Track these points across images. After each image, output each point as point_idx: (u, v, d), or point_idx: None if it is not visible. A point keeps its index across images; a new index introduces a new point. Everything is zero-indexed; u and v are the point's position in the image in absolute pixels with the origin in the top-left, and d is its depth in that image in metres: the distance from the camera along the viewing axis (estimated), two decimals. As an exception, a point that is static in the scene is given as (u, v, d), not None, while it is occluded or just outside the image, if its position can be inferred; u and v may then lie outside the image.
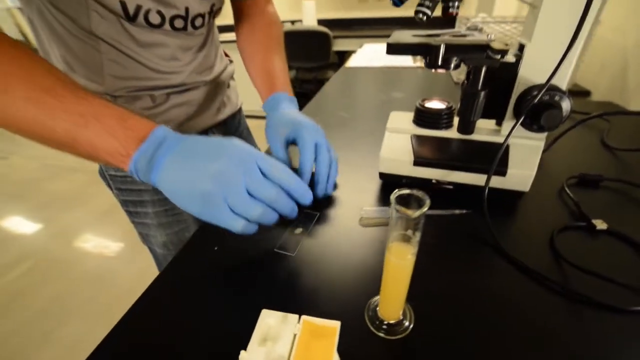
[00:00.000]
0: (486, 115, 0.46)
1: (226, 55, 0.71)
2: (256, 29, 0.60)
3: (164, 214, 0.62)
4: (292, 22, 3.02)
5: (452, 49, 0.36)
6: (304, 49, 2.51)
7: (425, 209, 0.21)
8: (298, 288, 0.36)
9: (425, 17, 0.37)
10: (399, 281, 0.26)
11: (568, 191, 0.46)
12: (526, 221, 0.43)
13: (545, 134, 0.44)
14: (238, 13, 0.62)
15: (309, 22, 2.72)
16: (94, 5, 0.42)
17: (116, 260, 1.81)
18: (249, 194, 0.32)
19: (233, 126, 0.71)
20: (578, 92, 1.02)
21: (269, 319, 0.29)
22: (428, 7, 0.37)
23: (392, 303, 0.28)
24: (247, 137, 0.77)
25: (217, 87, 0.64)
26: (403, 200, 0.22)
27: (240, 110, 0.74)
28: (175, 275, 0.39)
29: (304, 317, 0.30)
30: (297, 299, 0.34)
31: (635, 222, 0.42)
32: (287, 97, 0.51)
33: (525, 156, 0.43)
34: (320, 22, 2.78)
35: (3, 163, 3.19)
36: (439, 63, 0.37)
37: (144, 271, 1.62)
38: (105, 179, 0.61)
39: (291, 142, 0.45)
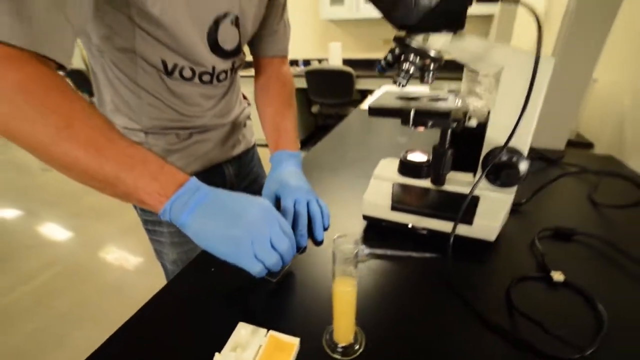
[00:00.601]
0: (463, 168, 0.52)
1: (245, 98, 0.81)
2: (270, 85, 0.70)
3: (176, 235, 0.70)
4: (319, 60, 3.23)
5: (420, 114, 0.43)
6: (328, 86, 2.67)
7: (356, 250, 0.27)
8: (273, 309, 0.41)
9: (402, 85, 0.45)
10: (345, 308, 0.31)
11: (537, 242, 0.50)
12: (490, 268, 0.47)
13: (514, 188, 0.49)
14: (257, 67, 0.73)
15: (335, 61, 2.90)
16: (142, 63, 0.53)
17: (134, 274, 1.91)
18: (271, 244, 0.39)
19: (246, 160, 0.80)
20: (580, 144, 1.04)
21: (242, 330, 0.35)
22: (404, 78, 0.44)
23: (342, 328, 0.33)
24: (259, 170, 0.85)
25: (235, 127, 0.73)
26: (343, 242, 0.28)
27: (254, 146, 0.83)
28: (177, 288, 0.46)
29: (271, 332, 0.35)
30: (270, 317, 0.40)
31: (598, 277, 0.45)
32: (289, 154, 0.59)
33: (492, 208, 0.47)
34: (346, 61, 2.96)
35: (46, 174, 3.50)
36: (410, 124, 0.43)
37: (157, 288, 1.71)
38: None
39: (278, 198, 0.53)
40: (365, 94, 2.92)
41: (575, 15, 0.81)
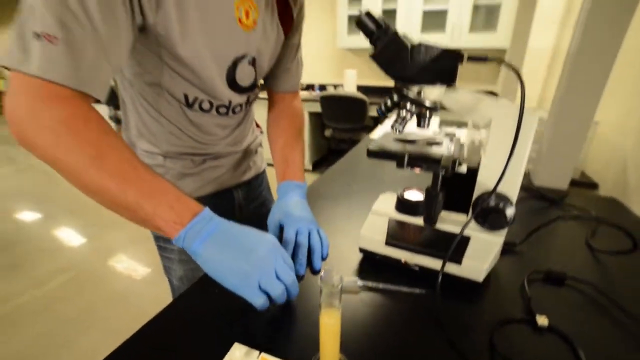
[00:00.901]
0: (457, 208, 0.55)
1: (257, 126, 0.87)
2: (282, 118, 0.75)
3: (185, 253, 0.72)
4: (335, 85, 3.34)
5: (413, 159, 0.46)
6: (342, 112, 2.74)
7: (340, 285, 0.30)
8: (269, 332, 0.44)
9: (398, 131, 0.49)
10: (329, 338, 0.34)
11: (526, 285, 0.51)
12: (478, 308, 0.48)
13: (504, 231, 0.51)
14: (270, 100, 0.79)
15: (350, 87, 2.99)
16: (167, 96, 0.59)
17: (141, 284, 1.96)
18: (277, 276, 0.43)
19: (256, 185, 0.85)
20: (585, 184, 1.04)
21: (237, 351, 0.38)
22: (400, 124, 0.48)
23: (327, 356, 0.36)
24: (267, 194, 0.90)
25: (246, 154, 0.78)
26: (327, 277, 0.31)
27: (263, 171, 0.88)
28: (182, 306, 0.50)
29: (262, 354, 0.38)
30: (265, 340, 0.42)
31: (585, 324, 0.46)
32: (295, 185, 0.64)
33: (481, 249, 0.50)
34: (360, 88, 3.05)
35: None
36: (404, 166, 0.47)
37: (161, 299, 1.74)
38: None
39: (282, 226, 0.57)
40: (378, 120, 2.98)
41: (576, 58, 0.85)
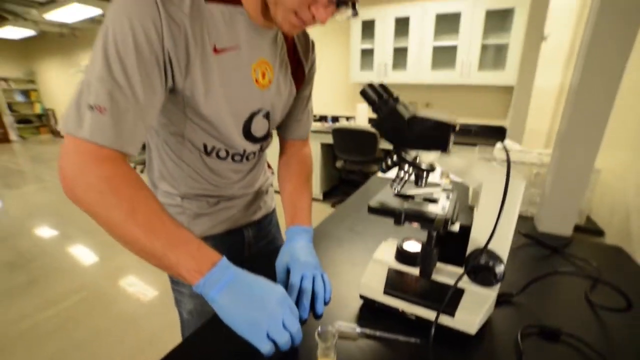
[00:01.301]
0: (454, 261, 0.58)
1: (269, 167, 0.93)
2: (291, 164, 0.81)
3: (196, 288, 0.78)
4: (347, 118, 3.44)
5: (409, 216, 0.51)
6: (353, 144, 2.82)
7: (335, 339, 0.34)
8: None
9: (396, 190, 0.53)
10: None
11: (519, 340, 0.53)
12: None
13: (497, 286, 0.54)
14: (281, 146, 0.85)
15: (361, 121, 3.09)
16: (188, 144, 0.66)
17: (149, 307, 1.99)
18: (283, 325, 0.47)
19: (265, 223, 0.90)
20: (590, 230, 1.04)
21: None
22: (398, 184, 0.53)
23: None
24: (276, 232, 0.94)
25: (258, 195, 0.84)
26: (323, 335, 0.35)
27: (273, 210, 0.93)
28: (192, 344, 0.53)
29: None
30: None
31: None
32: (302, 229, 0.69)
33: (475, 302, 0.52)
34: (371, 121, 3.13)
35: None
36: (402, 223, 0.51)
37: (169, 323, 1.77)
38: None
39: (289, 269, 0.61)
40: (388, 152, 3.04)
41: (575, 100, 0.87)
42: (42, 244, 2.83)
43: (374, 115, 0.51)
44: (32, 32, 5.72)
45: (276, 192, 0.84)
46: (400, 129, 0.48)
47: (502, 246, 0.51)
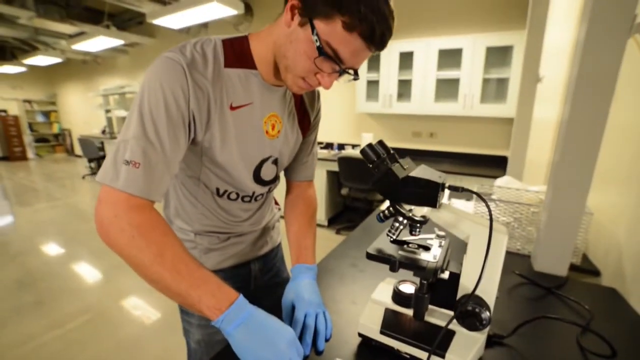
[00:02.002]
0: (446, 305, 0.63)
1: (276, 203, 0.99)
2: (297, 204, 0.88)
3: (204, 319, 0.82)
4: (353, 146, 3.54)
5: (403, 264, 0.56)
6: (358, 172, 2.89)
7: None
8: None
9: (392, 239, 0.59)
10: None
11: (507, 384, 0.57)
12: (460, 403, 0.54)
13: (486, 329, 0.58)
14: (288, 186, 0.93)
15: (366, 149, 3.17)
16: (202, 187, 0.73)
17: (151, 331, 2.01)
18: None
19: (271, 257, 0.95)
20: (586, 270, 1.07)
21: None
22: (393, 234, 0.59)
23: None
24: (281, 265, 1.00)
25: (265, 231, 0.90)
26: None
27: (279, 244, 0.99)
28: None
29: None
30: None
31: None
32: (307, 267, 0.75)
33: (464, 344, 0.56)
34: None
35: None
36: (396, 270, 0.56)
37: (169, 347, 1.80)
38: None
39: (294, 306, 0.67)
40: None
41: (565, 143, 0.92)
42: (50, 263, 2.90)
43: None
44: (58, 59, 6.07)
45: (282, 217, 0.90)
46: (395, 188, 0.55)
47: (488, 293, 0.56)
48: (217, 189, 0.74)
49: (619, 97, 0.86)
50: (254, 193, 0.78)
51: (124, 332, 2.00)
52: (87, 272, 2.76)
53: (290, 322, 0.65)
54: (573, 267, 1.04)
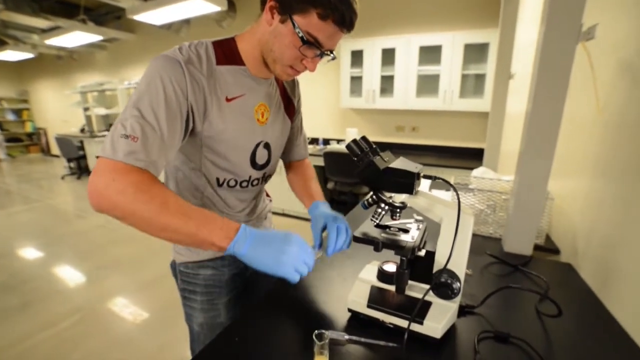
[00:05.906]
0: (424, 279, 0.71)
1: (267, 195, 1.06)
2: (298, 172, 1.02)
3: (206, 303, 0.90)
4: (338, 140, 3.62)
5: (385, 244, 0.64)
6: (343, 167, 2.98)
7: (327, 340, 0.46)
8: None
9: (375, 223, 0.67)
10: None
11: (475, 343, 0.66)
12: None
13: (458, 298, 0.67)
14: (286, 167, 1.05)
15: (351, 143, 3.26)
16: (205, 179, 0.79)
17: (142, 329, 2.03)
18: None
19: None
20: (548, 249, 1.20)
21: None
22: (376, 219, 0.67)
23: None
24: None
25: (258, 220, 0.97)
26: (319, 336, 0.48)
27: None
28: (206, 356, 0.65)
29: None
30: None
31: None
32: (322, 203, 0.87)
33: (439, 312, 0.65)
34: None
35: (80, 223, 3.81)
36: (380, 250, 0.65)
37: (161, 345, 1.84)
38: (175, 274, 0.93)
39: (323, 228, 0.78)
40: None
41: (528, 134, 1.03)
42: (37, 268, 2.85)
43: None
44: (30, 55, 5.83)
45: (275, 213, 0.98)
46: (377, 177, 0.63)
47: (459, 266, 0.65)
48: (217, 179, 0.81)
49: (572, 95, 0.97)
50: (250, 177, 0.86)
51: (114, 331, 2.00)
52: (73, 273, 2.73)
53: (321, 244, 0.77)
54: (537, 247, 1.17)
